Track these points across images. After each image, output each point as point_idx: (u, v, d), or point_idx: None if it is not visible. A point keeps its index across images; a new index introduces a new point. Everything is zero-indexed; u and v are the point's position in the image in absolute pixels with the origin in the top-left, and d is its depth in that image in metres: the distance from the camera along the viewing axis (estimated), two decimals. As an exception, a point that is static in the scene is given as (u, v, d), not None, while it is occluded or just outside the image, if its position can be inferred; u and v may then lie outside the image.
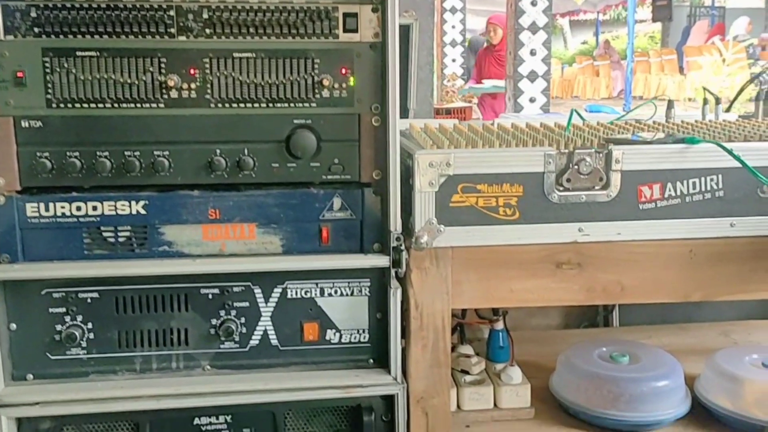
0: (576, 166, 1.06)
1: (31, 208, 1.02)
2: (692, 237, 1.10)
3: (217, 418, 1.11)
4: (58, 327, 1.06)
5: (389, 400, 1.12)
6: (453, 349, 1.41)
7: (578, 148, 1.08)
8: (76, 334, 1.05)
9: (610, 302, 1.63)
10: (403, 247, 1.06)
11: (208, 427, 1.11)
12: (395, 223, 1.06)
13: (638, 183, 1.07)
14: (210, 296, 1.08)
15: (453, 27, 8.02)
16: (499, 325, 1.44)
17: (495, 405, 1.36)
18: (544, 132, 1.29)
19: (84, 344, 1.07)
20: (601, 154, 1.07)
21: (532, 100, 4.59)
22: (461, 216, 1.06)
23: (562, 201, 1.07)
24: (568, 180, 1.06)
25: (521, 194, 1.06)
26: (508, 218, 1.07)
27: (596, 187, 1.07)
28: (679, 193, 1.07)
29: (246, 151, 1.04)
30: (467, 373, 1.40)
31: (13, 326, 1.04)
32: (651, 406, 1.28)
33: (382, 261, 1.08)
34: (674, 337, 1.70)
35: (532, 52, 4.51)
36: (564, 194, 1.07)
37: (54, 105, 1.00)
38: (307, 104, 1.04)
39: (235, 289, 1.09)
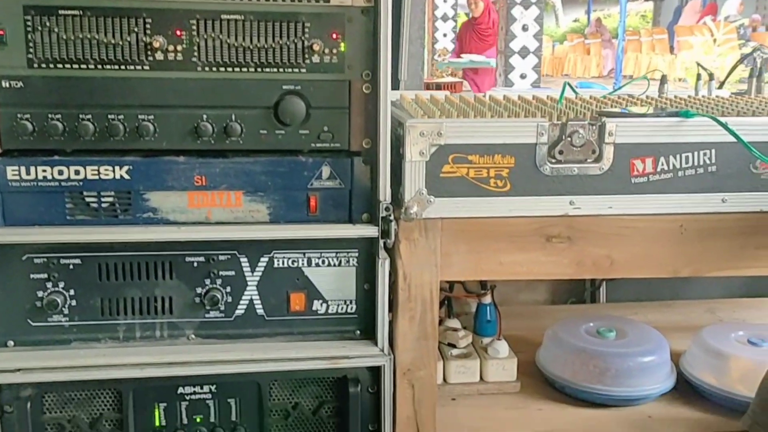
0: (569, 138, 1.05)
1: (11, 171, 0.99)
2: (683, 212, 1.09)
3: (202, 388, 1.10)
4: (40, 293, 1.03)
5: (376, 372, 1.11)
6: (440, 322, 1.40)
7: (571, 120, 1.06)
8: (58, 300, 1.03)
9: (600, 276, 1.64)
10: (392, 218, 1.05)
11: (193, 397, 1.10)
12: (385, 193, 1.04)
13: (631, 156, 1.06)
14: (195, 264, 1.07)
15: (444, 1, 7.95)
16: (487, 299, 1.43)
17: (481, 378, 1.36)
18: (536, 105, 1.27)
19: (66, 311, 1.05)
20: (594, 127, 1.05)
21: (522, 77, 4.57)
22: (452, 187, 1.05)
23: (554, 173, 1.05)
24: (561, 152, 1.05)
25: (513, 165, 1.05)
26: (499, 190, 1.06)
27: (589, 160, 1.06)
28: (671, 167, 1.06)
29: (233, 117, 1.01)
30: (454, 346, 1.40)
31: (-7, 292, 1.03)
32: (637, 381, 1.29)
33: (370, 231, 1.06)
34: (660, 313, 1.71)
35: (524, 28, 4.48)
36: (556, 166, 1.05)
37: (35, 65, 0.97)
38: (296, 69, 1.02)
39: (221, 258, 1.07)
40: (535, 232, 1.10)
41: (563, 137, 1.05)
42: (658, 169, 1.06)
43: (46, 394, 1.06)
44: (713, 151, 1.07)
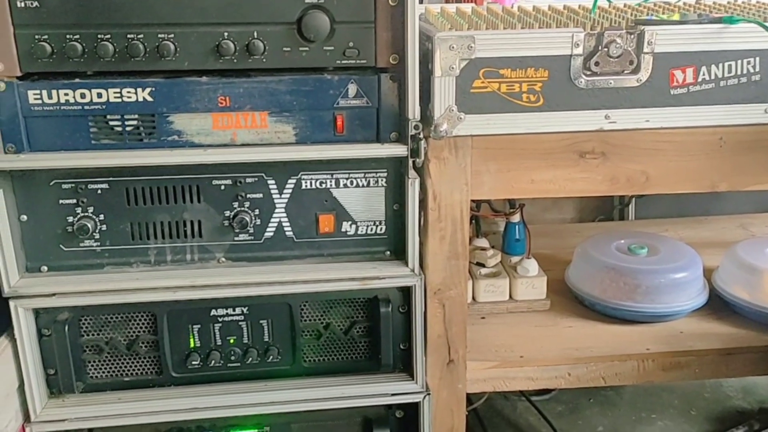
0: (605, 49, 1.00)
1: (33, 96, 0.97)
2: (724, 124, 1.05)
3: (234, 310, 1.11)
4: (70, 218, 1.03)
5: (406, 292, 1.11)
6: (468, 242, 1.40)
7: (607, 29, 1.01)
8: (89, 225, 1.03)
9: (634, 192, 1.61)
10: (421, 136, 1.02)
11: (225, 318, 1.11)
12: (413, 111, 1.01)
13: (671, 66, 1.01)
14: (222, 187, 1.05)
15: None
16: (516, 218, 1.42)
17: (510, 297, 1.36)
18: (568, 14, 1.22)
19: (97, 236, 1.05)
20: (632, 36, 1.00)
21: (546, -11, 4.39)
22: (482, 103, 1.01)
23: (589, 86, 1.01)
24: (597, 63, 1.00)
25: (546, 79, 1.01)
26: (532, 105, 1.02)
27: (626, 72, 1.01)
28: (713, 77, 1.02)
29: (255, 34, 0.98)
30: (483, 265, 1.39)
31: (24, 218, 1.02)
32: (668, 297, 1.28)
33: (399, 150, 1.04)
34: (691, 230, 1.69)
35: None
36: (591, 79, 1.01)
37: (49, -17, 0.94)
38: (319, -18, 0.97)
39: (248, 180, 1.06)
40: (567, 148, 1.07)
41: (599, 48, 1.00)
42: (699, 80, 1.02)
43: (82, 318, 1.08)
44: (757, 59, 1.02)
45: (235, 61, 0.99)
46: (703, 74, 1.01)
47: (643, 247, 1.36)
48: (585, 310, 1.34)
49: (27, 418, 1.06)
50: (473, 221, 1.45)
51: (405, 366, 1.15)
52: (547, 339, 1.26)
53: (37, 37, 0.94)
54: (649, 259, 1.34)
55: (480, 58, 0.99)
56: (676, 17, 1.11)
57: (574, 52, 1.00)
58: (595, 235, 1.44)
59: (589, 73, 1.01)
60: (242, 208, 1.07)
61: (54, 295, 1.03)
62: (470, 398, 1.53)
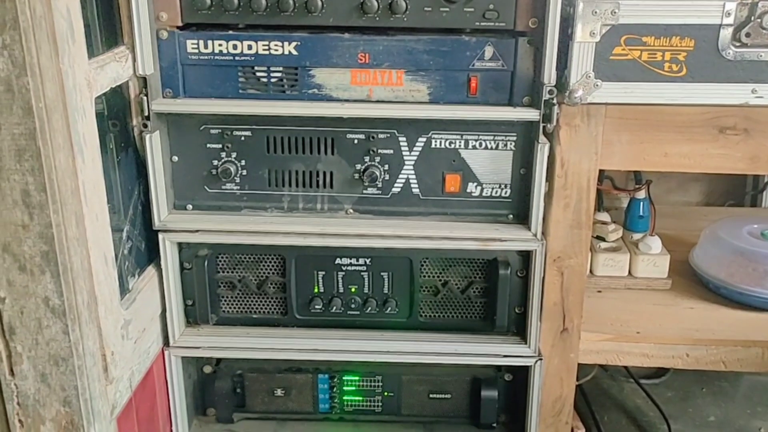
0: (759, 20, 0.96)
1: (191, 45, 1.04)
2: None
3: (357, 260, 1.16)
4: (215, 162, 1.11)
5: (526, 256, 1.12)
6: (590, 214, 1.38)
7: (763, -1, 0.97)
8: (231, 169, 1.10)
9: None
10: (554, 102, 1.02)
11: (349, 268, 1.16)
12: (549, 76, 1.01)
13: (830, 41, 0.96)
14: (355, 141, 1.10)
15: None
16: (641, 194, 1.38)
17: (630, 273, 1.34)
18: (718, -15, 1.17)
19: (238, 180, 1.12)
20: (790, 7, 0.96)
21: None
22: (621, 70, 1.00)
23: (738, 58, 0.97)
24: (748, 35, 0.96)
25: (691, 49, 0.98)
26: (674, 75, 0.99)
27: (779, 44, 0.97)
28: None
29: (399, -8, 1.01)
30: (603, 239, 1.38)
31: (175, 158, 1.11)
32: (802, 287, 1.22)
33: (531, 115, 1.04)
34: (832, 221, 1.58)
35: None
36: (740, 51, 0.97)
37: (211, -61, 1.00)
38: (464, -58, 0.98)
39: (380, 136, 1.09)
40: (707, 122, 1.04)
41: (752, 18, 0.96)
42: None
43: (219, 255, 1.16)
44: None
45: (377, 18, 1.02)
46: None
47: (777, 233, 1.30)
48: (709, 293, 1.30)
49: (167, 342, 1.16)
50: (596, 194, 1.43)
51: (518, 330, 1.17)
52: (666, 318, 1.24)
53: (198, -11, 1.01)
54: (783, 246, 1.28)
55: (623, 24, 0.97)
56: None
57: (724, 22, 0.96)
58: (725, 219, 1.39)
59: (738, 44, 0.97)
60: (373, 163, 1.11)
61: (197, 231, 1.11)
62: (576, 374, 1.52)
